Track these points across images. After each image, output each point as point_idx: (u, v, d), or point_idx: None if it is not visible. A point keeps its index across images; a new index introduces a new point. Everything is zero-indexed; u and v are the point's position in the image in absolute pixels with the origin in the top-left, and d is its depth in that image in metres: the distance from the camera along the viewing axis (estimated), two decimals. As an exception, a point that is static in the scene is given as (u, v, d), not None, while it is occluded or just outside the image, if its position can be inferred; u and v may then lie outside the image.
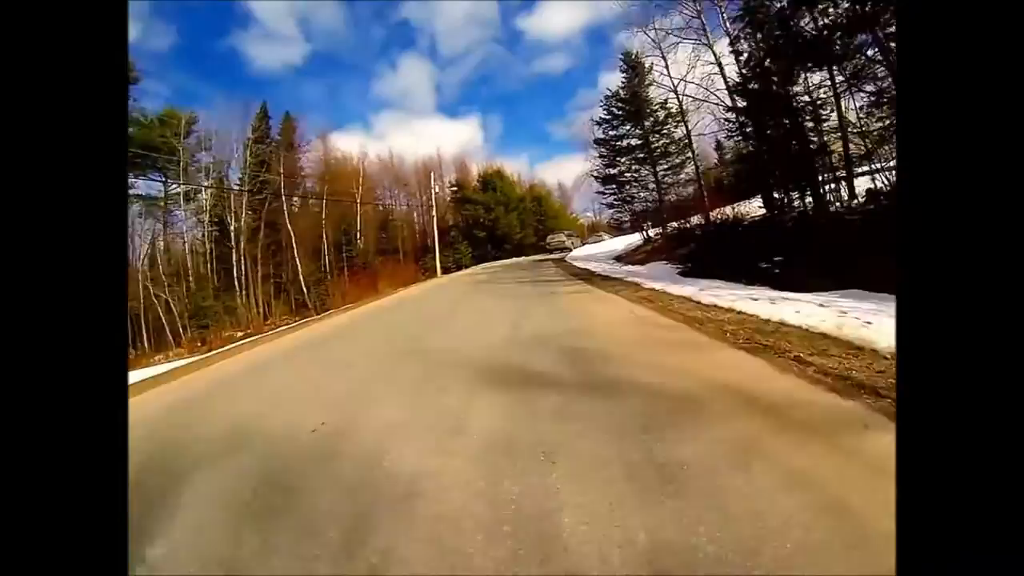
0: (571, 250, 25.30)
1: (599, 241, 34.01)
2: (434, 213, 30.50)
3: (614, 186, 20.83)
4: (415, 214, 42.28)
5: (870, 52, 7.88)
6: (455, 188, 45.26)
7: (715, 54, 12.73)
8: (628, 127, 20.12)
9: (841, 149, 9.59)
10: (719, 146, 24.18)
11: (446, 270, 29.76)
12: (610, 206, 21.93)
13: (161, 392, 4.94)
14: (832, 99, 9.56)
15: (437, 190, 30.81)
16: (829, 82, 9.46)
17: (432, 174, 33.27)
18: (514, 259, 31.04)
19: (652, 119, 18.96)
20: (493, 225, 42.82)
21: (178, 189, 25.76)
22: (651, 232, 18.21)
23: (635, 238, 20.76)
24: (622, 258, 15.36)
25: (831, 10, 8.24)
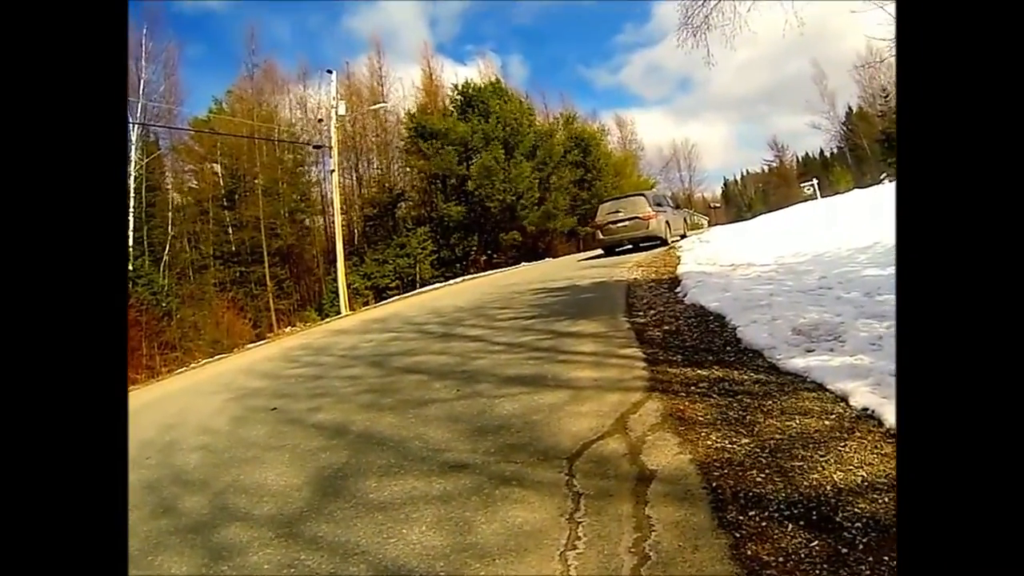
0: (664, 242, 10.25)
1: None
2: (332, 164, 13.97)
3: None
4: (347, 180, 19.95)
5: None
6: (412, 119, 20.90)
7: None
8: None
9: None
10: None
11: (380, 294, 15.56)
12: None
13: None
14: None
15: (343, 111, 14.32)
16: None
17: (333, 76, 15.06)
18: (519, 272, 11.57)
19: None
20: (482, 191, 17.94)
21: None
22: None
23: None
24: None
25: None
